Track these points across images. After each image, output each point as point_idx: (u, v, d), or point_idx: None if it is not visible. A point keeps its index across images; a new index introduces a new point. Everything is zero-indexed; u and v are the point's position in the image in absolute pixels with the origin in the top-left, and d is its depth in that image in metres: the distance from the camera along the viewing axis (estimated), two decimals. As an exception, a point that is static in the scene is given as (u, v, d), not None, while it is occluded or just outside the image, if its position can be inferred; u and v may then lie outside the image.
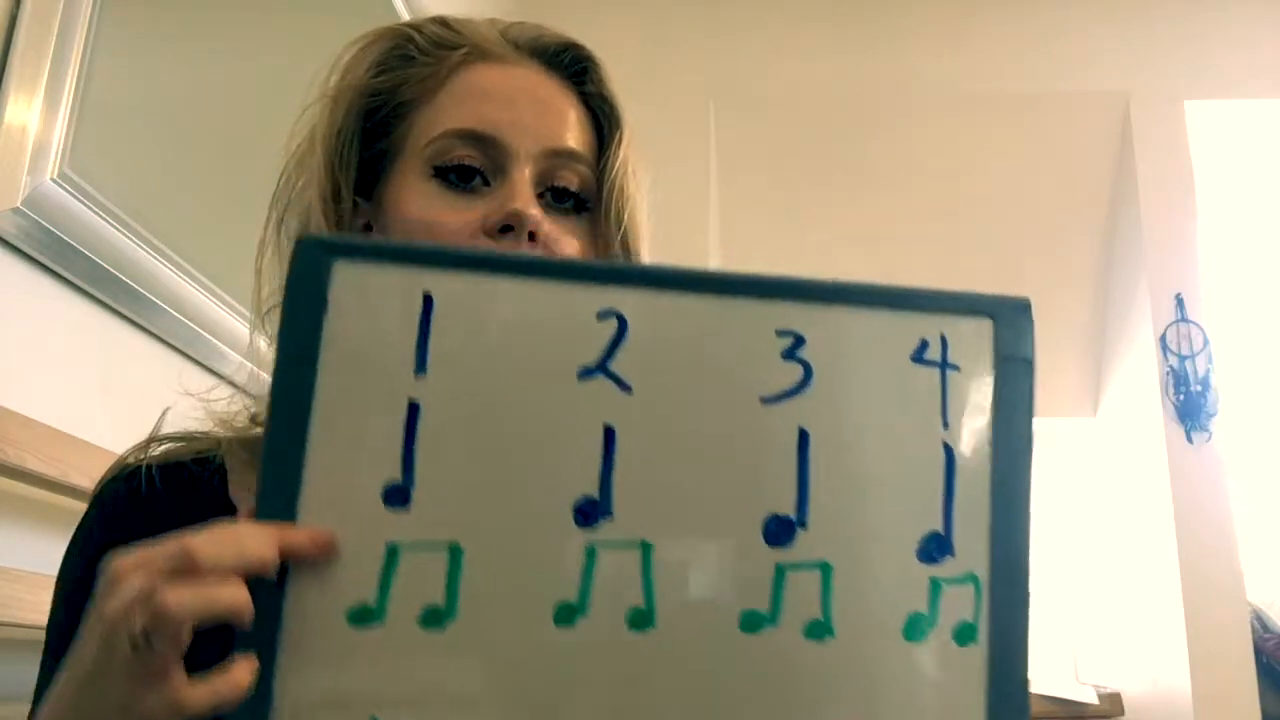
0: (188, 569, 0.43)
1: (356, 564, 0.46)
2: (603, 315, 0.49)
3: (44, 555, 0.91)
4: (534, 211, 0.65)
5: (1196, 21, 2.75)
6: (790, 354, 0.50)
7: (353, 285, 0.48)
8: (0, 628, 0.90)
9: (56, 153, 1.01)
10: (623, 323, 0.49)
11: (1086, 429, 2.99)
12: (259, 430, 0.68)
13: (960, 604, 0.49)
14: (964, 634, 0.49)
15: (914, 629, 0.49)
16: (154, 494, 0.65)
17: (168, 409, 0.70)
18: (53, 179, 1.01)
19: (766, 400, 0.49)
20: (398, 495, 0.47)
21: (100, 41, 1.06)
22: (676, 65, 2.78)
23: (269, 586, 0.45)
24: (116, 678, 0.44)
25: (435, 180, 0.67)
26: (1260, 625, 2.49)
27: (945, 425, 0.50)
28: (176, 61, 1.26)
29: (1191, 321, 2.55)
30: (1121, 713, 2.61)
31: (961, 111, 2.76)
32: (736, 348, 0.50)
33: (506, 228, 0.65)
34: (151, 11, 1.20)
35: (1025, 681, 0.49)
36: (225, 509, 0.66)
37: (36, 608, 0.89)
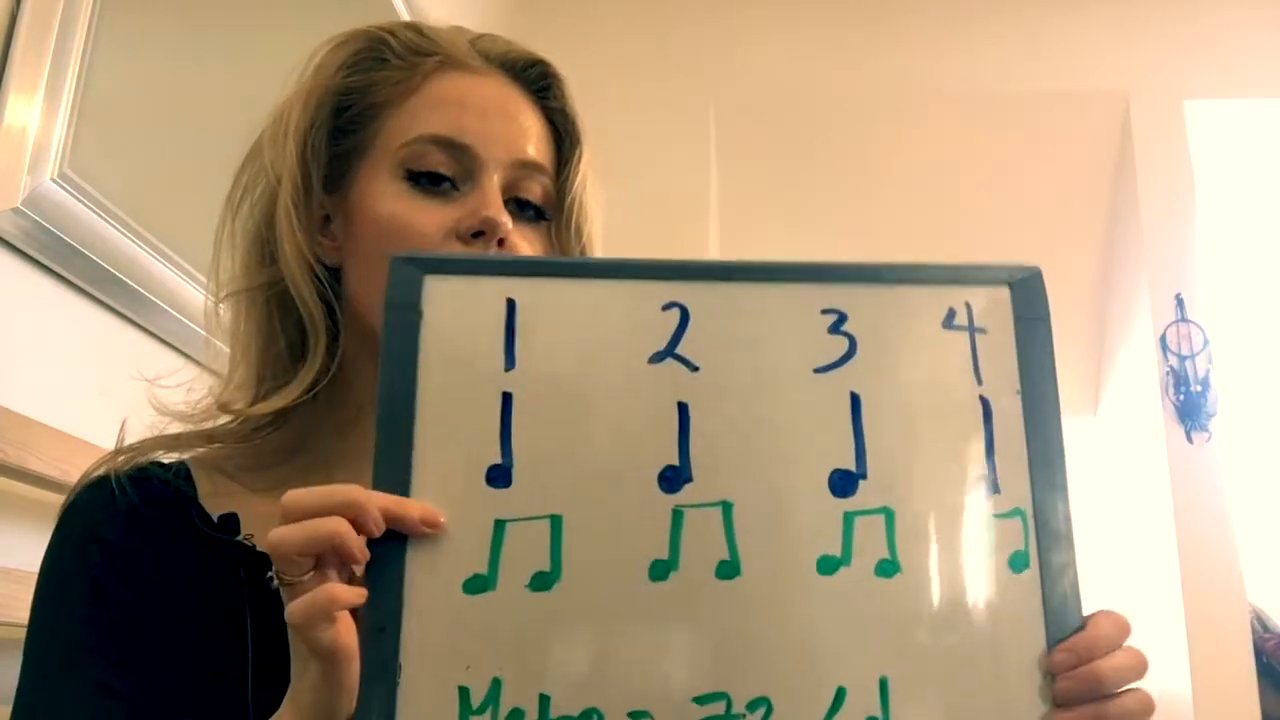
0: (291, 517, 0.50)
1: (468, 540, 0.51)
2: (667, 307, 0.55)
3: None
4: (505, 219, 0.68)
5: (1196, 21, 2.75)
6: (835, 329, 0.55)
7: (443, 296, 0.54)
8: (0, 627, 0.89)
9: (56, 153, 1.01)
10: (685, 312, 0.55)
11: (1086, 428, 2.98)
12: (225, 418, 0.69)
13: (1011, 536, 0.54)
14: (1017, 562, 0.53)
15: (972, 560, 0.53)
16: (129, 504, 0.66)
17: (126, 419, 0.70)
18: (53, 179, 1.01)
19: (819, 370, 0.55)
20: (500, 476, 0.52)
21: (100, 41, 1.06)
22: (676, 65, 2.78)
23: (391, 565, 0.50)
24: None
25: (407, 182, 0.69)
26: (1260, 625, 2.49)
27: (979, 381, 0.56)
28: (176, 61, 1.26)
29: (1191, 321, 2.55)
30: (1121, 713, 2.61)
31: (961, 111, 2.76)
32: (788, 326, 0.55)
33: (478, 233, 0.68)
34: (151, 11, 1.20)
35: (1079, 599, 0.53)
36: (197, 512, 0.67)
37: (37, 608, 0.89)
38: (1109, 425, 2.88)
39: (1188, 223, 2.63)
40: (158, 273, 1.18)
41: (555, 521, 0.51)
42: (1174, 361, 2.53)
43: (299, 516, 0.49)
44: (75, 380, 1.09)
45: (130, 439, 0.70)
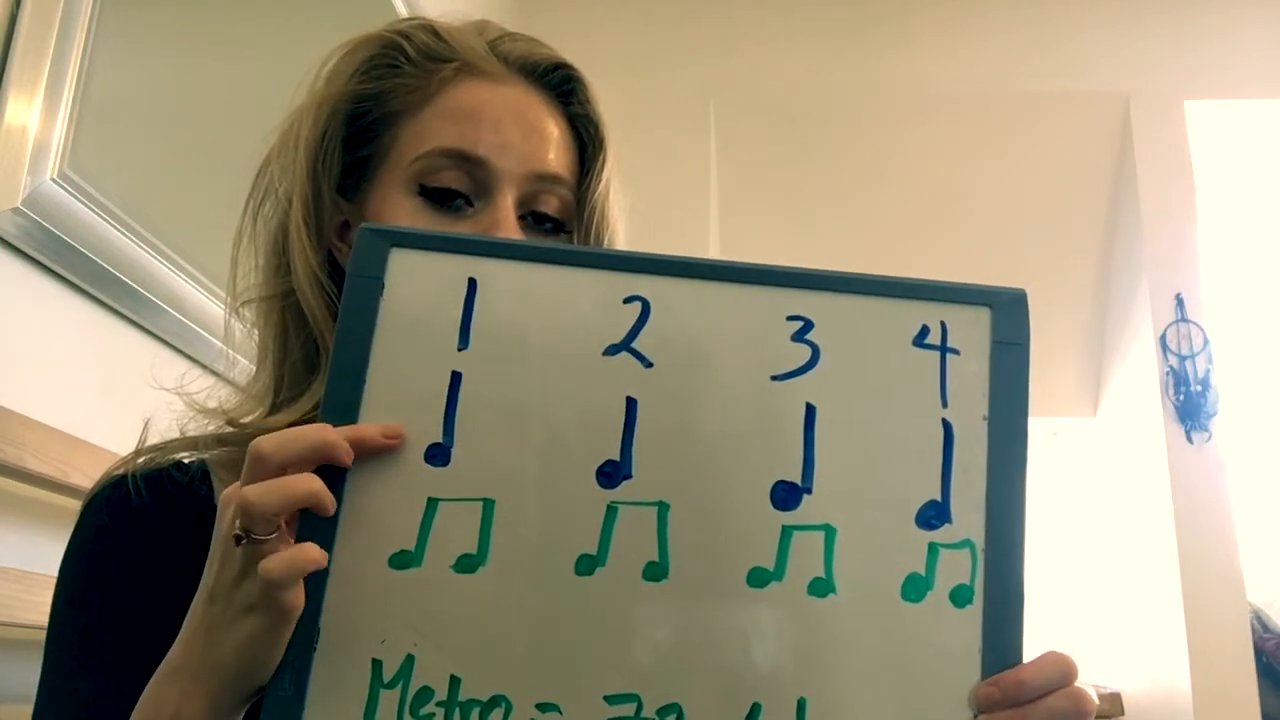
0: (265, 469, 0.48)
1: (399, 515, 0.51)
2: (628, 300, 0.54)
3: (44, 555, 0.91)
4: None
5: (1196, 21, 2.75)
6: (799, 337, 0.54)
7: (406, 270, 0.54)
8: (0, 627, 0.90)
9: (56, 153, 1.01)
10: (646, 306, 0.54)
11: (1086, 429, 2.99)
12: (231, 430, 0.69)
13: (957, 568, 0.52)
14: (960, 596, 0.52)
15: (912, 589, 0.52)
16: (143, 504, 0.66)
17: (149, 420, 0.70)
18: (53, 179, 1.01)
19: (776, 378, 0.53)
20: (439, 454, 0.52)
21: (100, 41, 1.06)
22: (676, 65, 2.78)
23: (321, 532, 0.50)
24: (232, 580, 0.49)
25: (420, 198, 0.68)
26: (1260, 625, 2.49)
27: (945, 404, 0.54)
28: (176, 61, 1.26)
29: (1191, 321, 2.55)
30: (1121, 713, 2.61)
31: (961, 111, 2.76)
32: (750, 330, 0.54)
33: None
34: (151, 11, 1.20)
35: (1020, 643, 0.51)
36: (212, 514, 0.66)
37: (36, 608, 0.89)
38: (1109, 425, 2.88)
39: (1188, 223, 2.63)
40: (158, 273, 1.18)
41: (488, 505, 0.51)
42: (1174, 361, 2.53)
43: (271, 467, 0.48)
44: (74, 380, 1.09)
45: (146, 441, 0.70)
